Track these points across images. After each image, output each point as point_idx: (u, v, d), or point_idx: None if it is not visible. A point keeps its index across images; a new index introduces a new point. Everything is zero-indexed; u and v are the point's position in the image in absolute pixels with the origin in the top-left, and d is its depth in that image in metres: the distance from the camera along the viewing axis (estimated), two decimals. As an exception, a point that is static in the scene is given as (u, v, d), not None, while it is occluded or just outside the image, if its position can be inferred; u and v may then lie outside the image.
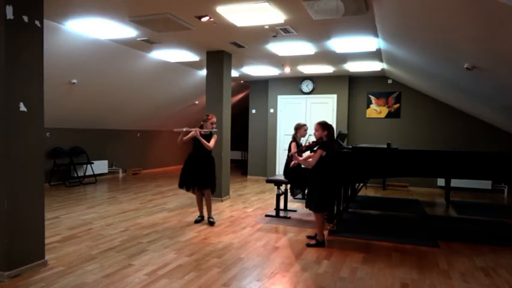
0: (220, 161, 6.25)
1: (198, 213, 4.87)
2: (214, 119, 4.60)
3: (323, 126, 3.80)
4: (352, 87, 8.54)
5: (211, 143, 4.51)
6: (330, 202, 3.91)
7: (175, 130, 4.66)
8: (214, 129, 4.58)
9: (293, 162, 3.94)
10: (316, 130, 3.83)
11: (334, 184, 3.91)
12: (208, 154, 4.60)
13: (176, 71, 7.84)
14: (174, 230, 4.35)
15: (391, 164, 4.34)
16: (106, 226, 4.47)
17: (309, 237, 4.12)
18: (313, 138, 3.96)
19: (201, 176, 4.53)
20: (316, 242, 3.89)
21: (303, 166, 4.88)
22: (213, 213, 5.31)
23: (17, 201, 2.89)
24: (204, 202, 4.76)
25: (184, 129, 4.48)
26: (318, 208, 3.81)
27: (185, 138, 4.50)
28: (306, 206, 3.95)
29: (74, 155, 7.62)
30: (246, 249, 3.72)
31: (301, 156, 4.05)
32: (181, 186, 4.64)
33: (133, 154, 9.40)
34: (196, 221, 4.72)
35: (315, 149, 3.85)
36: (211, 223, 4.64)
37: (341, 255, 3.60)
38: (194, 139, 4.49)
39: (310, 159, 3.83)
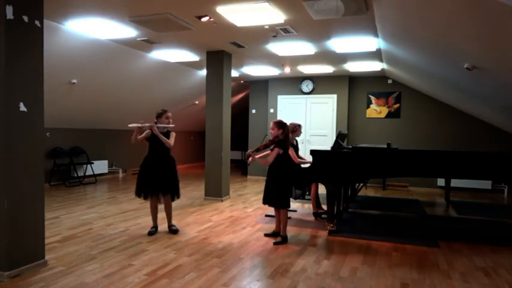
0: (220, 161, 6.25)
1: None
2: (170, 114, 4.17)
3: (278, 125, 3.93)
4: (352, 87, 8.54)
5: (171, 141, 4.08)
6: (288, 197, 3.98)
7: (130, 126, 4.01)
8: (171, 125, 4.15)
9: (250, 159, 4.01)
10: (272, 129, 3.95)
11: (290, 180, 4.05)
12: (168, 154, 4.15)
13: (176, 71, 7.84)
14: (176, 226, 4.34)
15: (391, 164, 4.34)
16: (106, 226, 4.47)
17: (267, 235, 4.20)
18: (269, 137, 4.07)
19: (162, 181, 4.06)
20: (282, 239, 3.96)
21: (302, 166, 4.89)
22: (213, 213, 5.32)
23: (17, 201, 2.89)
24: (158, 210, 4.29)
25: (140, 124, 3.96)
26: (281, 204, 3.94)
27: (140, 137, 4.02)
28: (264, 203, 4.04)
29: (74, 155, 7.62)
30: (246, 249, 3.72)
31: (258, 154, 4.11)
32: (138, 194, 4.10)
33: (133, 154, 9.40)
34: (151, 233, 4.14)
35: (272, 147, 3.95)
36: (174, 231, 4.21)
37: (341, 255, 3.60)
38: (150, 139, 4.06)
39: (268, 158, 3.95)
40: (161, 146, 4.04)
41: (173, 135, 4.16)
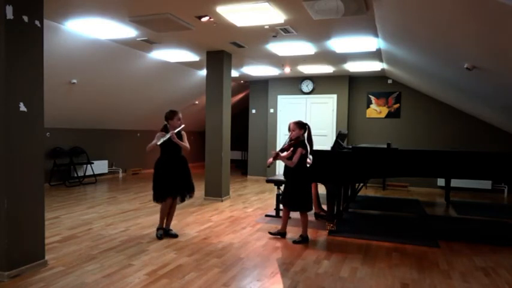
0: (220, 161, 6.25)
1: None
2: (180, 114, 3.98)
3: (299, 125, 3.93)
4: (352, 87, 8.54)
5: (187, 143, 3.97)
6: (310, 199, 3.99)
7: (159, 143, 3.80)
8: (182, 126, 3.97)
9: (270, 160, 3.99)
10: (293, 130, 3.94)
11: (309, 182, 4.07)
12: (181, 155, 4.02)
13: (176, 71, 7.84)
14: (174, 230, 4.33)
15: (391, 164, 4.34)
16: (106, 226, 4.47)
17: (272, 233, 4.18)
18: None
19: (182, 182, 3.98)
20: (302, 239, 3.99)
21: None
22: (213, 213, 5.32)
23: (17, 201, 2.89)
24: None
25: (166, 138, 3.79)
26: (305, 207, 3.93)
27: (158, 143, 3.83)
28: (284, 205, 4.03)
29: (74, 155, 7.62)
30: (246, 249, 3.72)
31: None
32: (158, 199, 3.95)
33: (133, 154, 9.40)
34: (160, 237, 4.00)
35: (292, 148, 3.94)
36: (174, 236, 4.04)
37: (341, 255, 3.60)
38: (162, 143, 3.84)
39: (293, 159, 3.91)
40: (175, 148, 3.92)
41: (185, 135, 4.05)
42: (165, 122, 3.96)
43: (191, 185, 4.11)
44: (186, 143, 3.97)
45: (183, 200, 4.12)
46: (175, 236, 4.08)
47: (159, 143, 3.81)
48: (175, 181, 3.95)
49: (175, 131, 3.88)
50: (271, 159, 3.95)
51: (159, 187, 3.94)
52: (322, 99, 8.67)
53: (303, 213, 4.00)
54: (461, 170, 4.25)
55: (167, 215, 4.12)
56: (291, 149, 3.95)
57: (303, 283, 2.91)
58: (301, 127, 3.92)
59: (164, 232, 4.13)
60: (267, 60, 6.94)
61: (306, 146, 3.92)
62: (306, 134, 4.01)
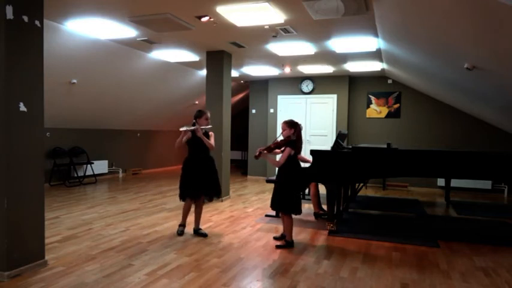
0: (220, 161, 6.25)
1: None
2: (208, 114, 4.09)
3: (290, 124, 3.78)
4: (352, 87, 8.54)
5: (212, 142, 4.08)
6: (298, 202, 3.81)
7: (182, 129, 3.95)
8: (209, 126, 4.08)
9: (257, 153, 3.85)
10: (283, 129, 3.81)
11: (300, 183, 3.95)
12: (210, 156, 4.13)
13: (176, 71, 7.84)
14: (174, 229, 4.34)
15: (391, 164, 4.34)
16: (106, 226, 4.47)
17: (275, 238, 4.10)
18: (281, 137, 3.89)
19: (209, 183, 4.05)
20: (286, 243, 3.84)
21: (302, 165, 4.89)
22: (213, 213, 5.32)
23: (17, 201, 2.89)
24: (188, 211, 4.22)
25: (190, 128, 3.91)
26: (286, 209, 3.79)
27: (184, 140, 3.95)
28: (270, 206, 3.92)
29: (74, 155, 7.62)
30: (246, 249, 3.72)
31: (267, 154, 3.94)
32: (184, 197, 4.07)
33: (133, 154, 9.41)
34: (181, 233, 4.14)
35: (282, 148, 3.81)
36: (203, 235, 4.12)
37: (341, 255, 3.60)
38: (190, 142, 3.98)
39: (279, 158, 3.80)
40: (203, 148, 4.00)
41: (212, 135, 4.14)
42: (194, 121, 4.03)
43: (218, 186, 4.14)
44: (211, 141, 4.04)
45: (210, 200, 4.21)
46: (205, 235, 4.11)
47: (181, 129, 3.91)
48: (201, 181, 3.99)
49: (202, 127, 3.97)
50: (257, 153, 3.81)
51: (186, 186, 4.01)
52: (322, 99, 8.67)
53: (287, 215, 3.82)
54: (461, 170, 4.24)
55: (196, 214, 4.19)
56: (282, 148, 3.82)
57: (303, 283, 2.91)
58: (291, 126, 3.77)
59: (194, 232, 4.19)
60: (267, 60, 6.94)
61: (296, 146, 3.76)
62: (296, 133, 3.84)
